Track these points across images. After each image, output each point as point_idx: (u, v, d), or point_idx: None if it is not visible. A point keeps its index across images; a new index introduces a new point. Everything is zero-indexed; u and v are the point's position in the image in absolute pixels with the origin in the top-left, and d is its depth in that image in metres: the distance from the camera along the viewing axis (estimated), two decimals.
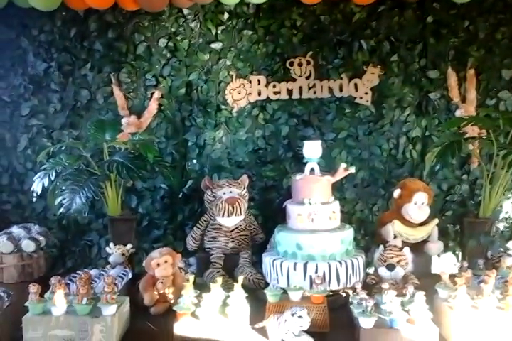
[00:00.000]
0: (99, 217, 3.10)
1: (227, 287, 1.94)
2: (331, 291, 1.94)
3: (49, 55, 3.06)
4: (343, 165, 2.21)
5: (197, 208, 3.10)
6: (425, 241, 2.49)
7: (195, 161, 3.13)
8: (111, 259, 2.35)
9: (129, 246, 2.40)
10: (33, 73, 3.07)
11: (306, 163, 2.28)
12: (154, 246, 2.97)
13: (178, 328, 1.71)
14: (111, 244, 2.39)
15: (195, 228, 2.49)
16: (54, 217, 3.06)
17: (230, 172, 3.03)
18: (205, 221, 2.48)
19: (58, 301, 1.67)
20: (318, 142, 2.19)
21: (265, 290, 1.85)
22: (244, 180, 2.53)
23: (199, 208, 3.09)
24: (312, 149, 2.17)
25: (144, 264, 2.05)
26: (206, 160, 3.12)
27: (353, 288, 1.84)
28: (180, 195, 3.10)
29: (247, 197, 2.46)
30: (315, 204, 2.08)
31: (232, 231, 2.39)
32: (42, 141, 3.05)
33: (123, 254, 2.36)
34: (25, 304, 1.70)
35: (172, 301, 1.94)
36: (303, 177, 2.14)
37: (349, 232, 2.13)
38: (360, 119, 3.06)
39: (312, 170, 2.17)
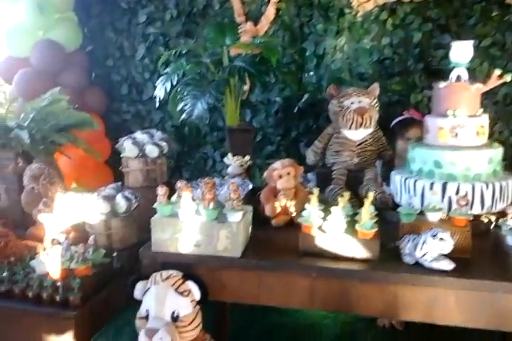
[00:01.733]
0: (214, 129, 3.08)
1: (352, 204, 1.80)
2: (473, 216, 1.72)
3: None
4: (497, 71, 1.86)
5: (312, 124, 2.95)
6: None
7: (312, 73, 2.91)
8: (229, 170, 2.31)
9: (247, 157, 2.33)
10: None
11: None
12: (268, 162, 2.92)
13: (303, 241, 1.63)
14: (229, 155, 2.34)
15: (316, 141, 2.33)
16: (172, 129, 3.11)
17: (351, 85, 2.76)
18: (328, 134, 2.29)
19: (185, 204, 1.65)
20: (470, 42, 1.83)
21: (399, 209, 1.68)
22: (375, 88, 2.26)
23: (314, 124, 2.94)
24: (462, 51, 1.82)
25: (264, 176, 1.96)
26: (325, 72, 2.88)
27: (503, 213, 1.61)
28: (295, 110, 2.95)
29: (377, 108, 2.21)
30: (461, 117, 1.79)
31: (358, 145, 2.19)
32: (159, 49, 3.00)
33: (241, 166, 2.30)
34: (154, 206, 1.70)
35: (294, 214, 1.86)
36: (448, 85, 1.83)
37: (498, 151, 1.83)
38: (510, 24, 2.58)
39: (458, 78, 1.85)
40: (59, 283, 1.64)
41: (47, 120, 2.19)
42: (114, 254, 1.85)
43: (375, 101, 2.22)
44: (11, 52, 2.98)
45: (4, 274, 1.70)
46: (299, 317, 2.71)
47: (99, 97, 3.08)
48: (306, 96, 2.91)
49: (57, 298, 1.63)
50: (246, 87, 2.76)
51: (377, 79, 2.75)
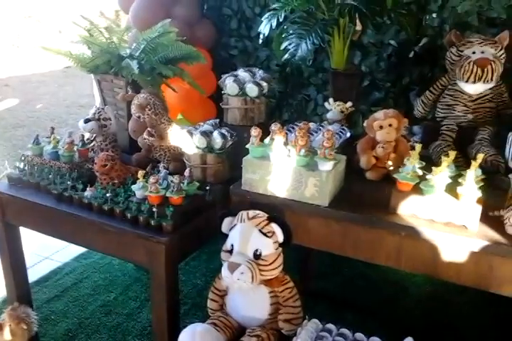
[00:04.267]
0: (319, 71, 2.96)
1: (458, 165, 1.66)
2: None
3: None
4: None
5: (428, 72, 2.70)
6: None
7: (434, 15, 2.61)
8: (328, 115, 2.23)
9: (349, 104, 2.22)
10: None
11: None
12: (372, 110, 2.77)
13: (396, 198, 1.55)
14: (330, 100, 2.25)
15: (427, 92, 2.14)
16: (276, 68, 3.04)
17: (478, 31, 2.45)
18: (441, 85, 2.09)
19: (277, 148, 1.64)
20: None
21: (511, 175, 1.52)
22: (504, 37, 1.98)
23: (430, 72, 2.68)
24: None
25: (364, 125, 1.86)
26: (449, 15, 2.57)
27: None
28: (410, 55, 2.71)
29: (503, 61, 1.95)
30: None
31: (474, 100, 1.98)
32: None
33: (342, 112, 2.21)
34: (246, 146, 1.71)
35: (391, 168, 1.76)
36: None
37: None
38: None
39: None
40: (154, 209, 1.76)
41: (156, 51, 2.23)
42: (207, 188, 1.92)
43: (502, 52, 1.95)
44: None
45: (108, 195, 1.85)
46: (386, 270, 2.68)
47: (209, 31, 3.06)
48: (424, 40, 2.65)
49: (152, 223, 1.75)
50: (358, 28, 2.57)
51: (510, 26, 2.41)
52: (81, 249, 2.98)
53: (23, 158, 2.16)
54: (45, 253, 3.04)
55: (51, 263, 2.96)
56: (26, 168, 2.12)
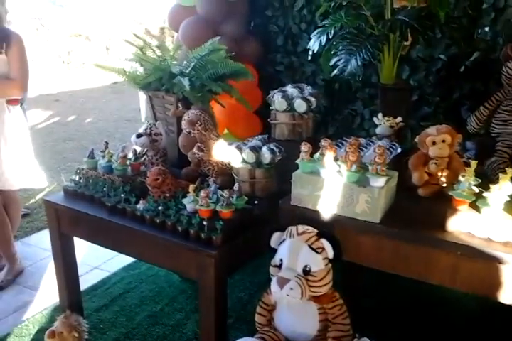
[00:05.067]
0: (366, 86, 2.95)
1: None
2: None
3: None
4: None
5: (479, 87, 2.65)
6: None
7: (487, 29, 2.57)
8: (378, 131, 2.21)
9: (399, 119, 2.20)
10: None
11: None
12: (421, 124, 2.73)
13: (451, 216, 1.52)
14: (379, 115, 2.23)
15: (482, 107, 2.10)
16: (322, 83, 3.06)
17: None
18: (496, 100, 2.05)
19: (328, 163, 1.64)
20: None
21: None
22: None
23: (482, 87, 2.63)
24: None
25: (416, 140, 1.83)
26: (503, 28, 2.52)
27: None
28: (461, 69, 2.67)
29: None
30: None
31: None
32: (318, 0, 2.90)
33: (391, 127, 2.19)
34: (296, 161, 1.72)
35: (444, 185, 1.73)
36: None
37: None
38: None
39: None
40: (205, 223, 1.78)
41: (206, 68, 2.29)
42: (256, 202, 1.93)
43: None
44: (180, 0, 3.14)
45: (160, 208, 1.89)
46: (438, 287, 2.61)
47: (256, 47, 3.12)
48: (476, 54, 2.60)
49: (202, 236, 1.77)
50: (407, 42, 2.56)
51: None
52: (129, 260, 3.05)
53: (78, 171, 2.24)
54: (94, 262, 3.13)
55: (100, 273, 3.03)
56: (81, 180, 2.20)
